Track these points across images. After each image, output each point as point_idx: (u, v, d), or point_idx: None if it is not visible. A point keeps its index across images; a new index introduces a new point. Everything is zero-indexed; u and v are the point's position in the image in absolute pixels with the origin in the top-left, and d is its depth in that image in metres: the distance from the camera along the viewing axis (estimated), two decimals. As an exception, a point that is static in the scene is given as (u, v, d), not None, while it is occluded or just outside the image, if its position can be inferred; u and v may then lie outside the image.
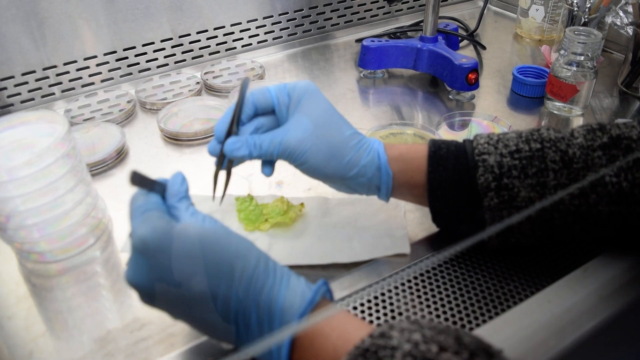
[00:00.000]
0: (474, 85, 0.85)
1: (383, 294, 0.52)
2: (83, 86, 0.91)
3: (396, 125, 0.77)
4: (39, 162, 0.52)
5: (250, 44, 1.04)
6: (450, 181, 0.52)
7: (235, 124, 0.52)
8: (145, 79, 0.94)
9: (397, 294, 0.52)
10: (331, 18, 1.10)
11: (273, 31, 1.05)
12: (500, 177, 0.49)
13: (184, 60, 0.98)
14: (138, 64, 0.94)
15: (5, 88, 0.85)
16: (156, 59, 0.96)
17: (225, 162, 0.52)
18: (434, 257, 0.56)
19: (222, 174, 0.53)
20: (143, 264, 0.41)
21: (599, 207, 0.48)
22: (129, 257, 0.43)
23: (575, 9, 0.88)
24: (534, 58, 1.02)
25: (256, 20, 1.02)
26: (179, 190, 0.46)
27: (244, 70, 0.96)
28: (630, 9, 0.86)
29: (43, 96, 0.88)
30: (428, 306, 0.51)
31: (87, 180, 0.59)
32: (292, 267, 0.55)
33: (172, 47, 0.96)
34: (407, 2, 1.18)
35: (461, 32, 1.09)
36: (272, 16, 1.03)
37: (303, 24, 1.08)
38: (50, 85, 0.88)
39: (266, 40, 1.05)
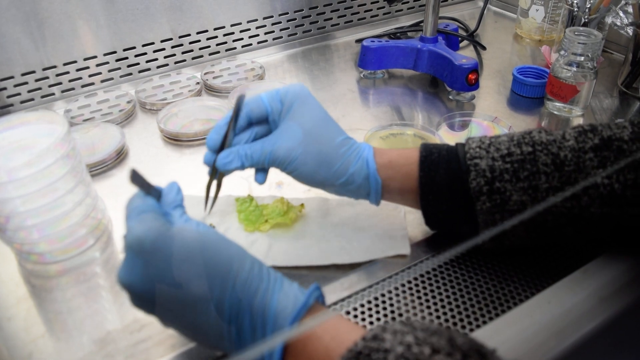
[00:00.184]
0: (474, 85, 0.85)
1: (383, 295, 0.52)
2: (83, 86, 0.91)
3: (396, 126, 0.77)
4: (38, 163, 0.52)
5: (250, 44, 1.04)
6: (442, 186, 0.52)
7: (228, 138, 0.53)
8: (145, 79, 0.94)
9: (397, 295, 0.52)
10: (331, 18, 1.10)
11: (273, 31, 1.05)
12: (492, 181, 0.49)
13: (184, 60, 0.98)
14: (138, 64, 0.94)
15: (5, 88, 0.85)
16: (156, 59, 0.96)
17: (217, 173, 0.54)
18: (434, 258, 0.56)
19: (215, 183, 0.55)
20: (138, 264, 0.41)
21: (591, 209, 0.48)
22: (122, 257, 0.42)
23: (575, 9, 0.88)
24: (534, 58, 1.02)
25: (256, 20, 1.02)
26: (175, 199, 0.47)
27: (244, 71, 0.96)
28: (630, 9, 0.86)
29: (43, 96, 0.88)
30: (428, 307, 0.51)
31: (86, 181, 0.59)
32: (292, 268, 0.56)
33: (172, 47, 0.96)
34: (407, 2, 1.18)
35: (461, 32, 1.09)
36: (272, 16, 1.03)
37: (303, 24, 1.07)
38: (50, 86, 0.88)
39: (266, 41, 1.05)
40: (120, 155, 0.76)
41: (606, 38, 0.94)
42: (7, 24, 0.81)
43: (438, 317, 0.50)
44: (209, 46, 1.00)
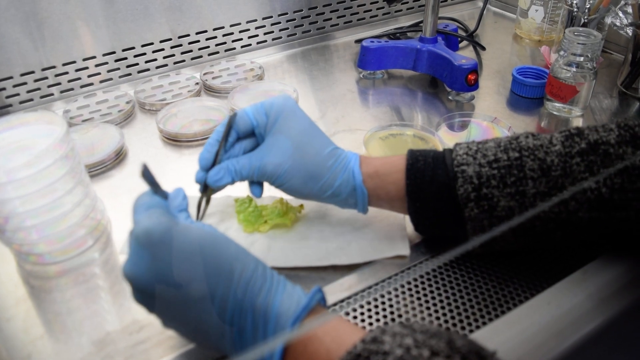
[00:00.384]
0: (474, 86, 0.85)
1: (382, 296, 0.52)
2: (82, 87, 0.91)
3: (396, 126, 0.76)
4: (37, 164, 0.52)
5: (250, 45, 1.04)
6: (429, 193, 0.52)
7: (219, 156, 0.54)
8: (144, 79, 0.94)
9: (396, 296, 0.52)
10: (330, 19, 1.10)
11: (272, 32, 1.05)
12: (480, 187, 0.49)
13: (183, 60, 0.98)
14: (137, 64, 0.94)
15: (4, 89, 0.85)
16: (155, 60, 0.95)
17: (208, 189, 0.55)
18: (433, 259, 0.56)
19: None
20: (143, 257, 0.41)
21: (579, 214, 0.48)
22: (128, 250, 0.43)
23: (575, 9, 0.88)
24: (534, 59, 1.02)
25: (255, 20, 1.02)
26: (181, 204, 0.48)
27: (243, 71, 0.96)
28: (629, 9, 0.86)
29: (42, 97, 0.88)
30: (428, 308, 0.51)
31: (85, 182, 0.59)
32: (292, 269, 0.56)
33: (171, 47, 0.96)
34: (407, 2, 1.18)
35: (461, 32, 1.09)
36: (271, 17, 1.03)
37: (302, 25, 1.07)
38: (49, 86, 0.88)
39: (265, 41, 1.05)
40: (119, 156, 0.76)
41: (606, 38, 0.94)
42: (6, 24, 0.80)
43: (437, 318, 0.50)
44: (208, 46, 0.99)
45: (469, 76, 0.84)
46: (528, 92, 0.88)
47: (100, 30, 0.88)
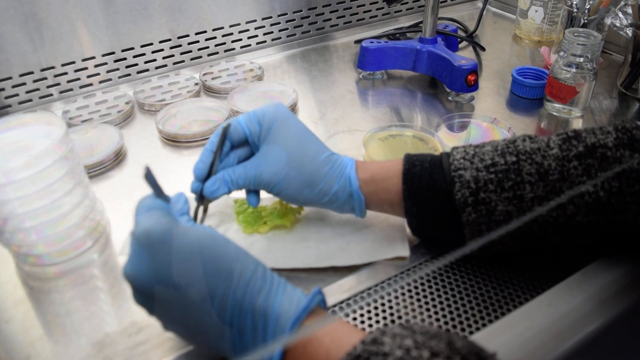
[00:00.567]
0: (474, 86, 0.85)
1: (382, 297, 0.52)
2: (81, 87, 0.91)
3: (395, 127, 0.76)
4: (36, 165, 0.52)
5: (249, 45, 1.04)
6: (426, 198, 0.52)
7: (215, 167, 0.54)
8: (143, 80, 0.94)
9: (396, 298, 0.52)
10: (330, 19, 1.10)
11: (272, 32, 1.05)
12: (477, 192, 0.49)
13: (183, 61, 0.98)
14: (136, 65, 0.94)
15: (3, 89, 0.84)
16: (154, 60, 0.95)
17: (204, 199, 0.55)
18: (435, 260, 0.56)
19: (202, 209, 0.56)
20: (144, 257, 0.41)
21: (577, 218, 0.48)
22: (129, 251, 0.43)
23: (575, 10, 0.88)
24: (533, 59, 1.02)
25: (255, 21, 1.02)
26: (182, 207, 0.48)
27: (243, 72, 0.96)
28: (629, 10, 0.86)
29: (41, 97, 0.88)
30: (427, 310, 0.50)
31: (85, 183, 0.59)
32: (291, 270, 0.56)
33: (171, 48, 0.96)
34: (406, 3, 1.18)
35: (460, 33, 1.09)
36: (271, 17, 1.03)
37: (302, 25, 1.07)
38: (48, 87, 0.88)
39: (265, 42, 1.05)
40: (118, 157, 0.76)
41: (605, 39, 0.94)
42: (5, 25, 0.80)
43: (437, 320, 0.50)
44: (207, 47, 0.99)
45: (469, 77, 0.84)
46: (528, 93, 0.88)
47: (99, 31, 0.88)
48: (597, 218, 0.47)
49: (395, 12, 1.18)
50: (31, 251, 0.57)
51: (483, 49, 1.05)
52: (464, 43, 1.07)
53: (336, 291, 0.53)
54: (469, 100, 0.88)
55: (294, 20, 1.06)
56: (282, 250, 0.58)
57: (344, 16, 1.11)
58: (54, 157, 0.53)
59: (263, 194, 0.67)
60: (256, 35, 1.03)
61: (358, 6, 1.12)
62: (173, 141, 0.79)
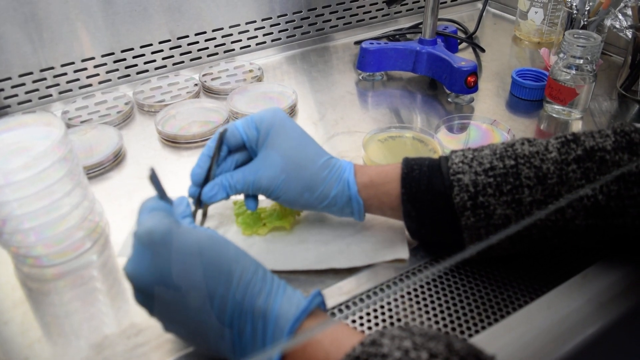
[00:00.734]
0: (473, 88, 0.85)
1: (382, 299, 0.52)
2: (80, 88, 0.91)
3: (395, 129, 0.76)
4: (35, 166, 0.52)
5: (249, 46, 1.03)
6: (424, 202, 0.52)
7: (212, 172, 0.54)
8: (143, 80, 0.94)
9: (395, 300, 0.52)
10: (330, 20, 1.10)
11: (272, 33, 1.05)
12: (476, 196, 0.49)
13: (182, 62, 0.98)
14: (136, 65, 0.94)
15: (2, 90, 0.84)
16: (154, 61, 0.95)
17: (202, 204, 0.56)
18: (435, 265, 0.56)
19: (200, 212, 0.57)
20: (145, 257, 0.42)
21: (576, 222, 0.48)
22: (131, 250, 0.43)
23: (575, 11, 0.88)
24: (533, 61, 1.02)
25: (255, 22, 1.02)
26: (185, 210, 0.49)
27: (242, 72, 0.96)
28: (629, 12, 0.86)
29: (40, 98, 0.88)
30: (427, 312, 0.50)
31: (84, 184, 0.59)
32: (291, 272, 0.56)
33: (170, 48, 0.96)
34: (406, 4, 1.17)
35: (460, 34, 1.09)
36: (270, 18, 1.03)
37: (302, 26, 1.07)
38: (48, 87, 0.88)
39: (265, 42, 1.05)
40: (117, 158, 0.76)
41: (605, 41, 0.94)
42: (4, 25, 0.80)
43: (437, 322, 0.49)
44: (207, 48, 0.99)
45: (469, 78, 0.84)
46: (527, 95, 0.88)
47: (99, 31, 0.88)
48: (595, 221, 0.47)
49: (395, 13, 1.18)
50: (30, 252, 0.57)
51: (483, 50, 1.05)
52: (464, 44, 1.07)
53: (336, 293, 0.53)
54: (468, 102, 0.88)
55: (294, 21, 1.06)
56: (281, 251, 0.58)
57: (343, 17, 1.11)
58: (53, 158, 0.53)
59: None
60: (256, 36, 1.03)
61: (358, 7, 1.12)
62: (172, 142, 0.79)
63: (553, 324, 0.47)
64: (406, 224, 0.54)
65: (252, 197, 0.58)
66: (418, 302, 0.51)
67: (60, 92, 0.89)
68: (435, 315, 0.50)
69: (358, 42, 1.05)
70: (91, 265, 0.59)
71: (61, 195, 0.55)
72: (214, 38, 0.99)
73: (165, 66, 0.97)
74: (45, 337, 0.51)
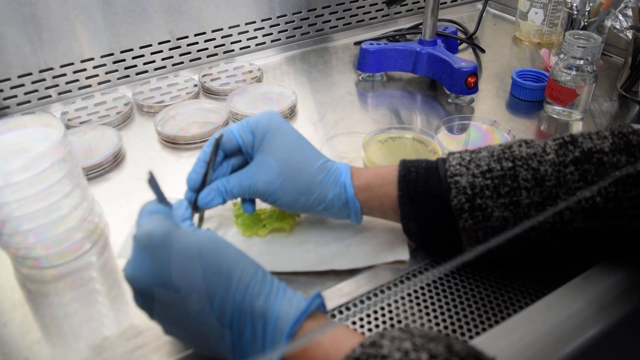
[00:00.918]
0: (473, 88, 0.85)
1: (382, 301, 0.52)
2: (80, 88, 0.91)
3: (395, 130, 0.76)
4: (34, 167, 0.52)
5: (249, 47, 1.03)
6: (422, 204, 0.52)
7: (208, 177, 0.55)
8: (142, 81, 0.93)
9: (395, 302, 0.52)
10: (330, 20, 1.10)
11: (271, 33, 1.05)
12: (473, 198, 0.49)
13: (182, 62, 0.98)
14: (135, 66, 0.94)
15: (1, 90, 0.84)
16: (154, 62, 0.95)
17: (198, 209, 0.56)
18: (433, 268, 0.56)
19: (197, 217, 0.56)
20: (145, 259, 0.42)
21: (574, 224, 0.47)
22: (131, 252, 0.43)
23: (575, 12, 0.88)
24: (533, 61, 1.02)
25: (254, 22, 1.01)
26: (184, 213, 0.49)
27: (242, 73, 0.96)
28: (629, 12, 0.86)
29: (39, 99, 0.88)
30: (427, 314, 0.50)
31: (83, 185, 0.59)
32: (291, 273, 0.55)
33: (170, 49, 0.96)
34: (406, 4, 1.17)
35: (460, 35, 1.09)
36: (270, 18, 1.03)
37: (301, 27, 1.07)
38: (47, 88, 0.88)
39: (264, 43, 1.05)
40: (117, 159, 0.75)
41: (605, 41, 0.94)
42: (4, 26, 0.80)
43: (437, 324, 0.49)
44: (206, 48, 0.99)
45: (469, 79, 0.84)
46: (528, 95, 0.87)
47: (98, 32, 0.88)
48: (593, 223, 0.47)
49: (395, 13, 1.17)
50: (29, 254, 0.57)
51: (483, 50, 1.05)
52: (464, 45, 1.07)
53: (336, 295, 0.53)
54: (468, 103, 0.88)
55: (294, 21, 1.06)
56: (281, 253, 0.58)
57: (343, 18, 1.11)
58: (52, 159, 0.53)
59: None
60: (255, 37, 1.03)
61: (357, 7, 1.11)
62: (172, 143, 0.79)
63: (554, 325, 0.47)
64: (403, 226, 0.54)
65: (249, 201, 0.58)
66: (418, 304, 0.51)
67: (60, 93, 0.89)
68: (436, 317, 0.50)
69: (358, 43, 1.04)
70: (90, 266, 0.59)
71: (60, 196, 0.55)
72: (214, 39, 0.99)
73: (164, 67, 0.97)
74: (45, 339, 0.51)
